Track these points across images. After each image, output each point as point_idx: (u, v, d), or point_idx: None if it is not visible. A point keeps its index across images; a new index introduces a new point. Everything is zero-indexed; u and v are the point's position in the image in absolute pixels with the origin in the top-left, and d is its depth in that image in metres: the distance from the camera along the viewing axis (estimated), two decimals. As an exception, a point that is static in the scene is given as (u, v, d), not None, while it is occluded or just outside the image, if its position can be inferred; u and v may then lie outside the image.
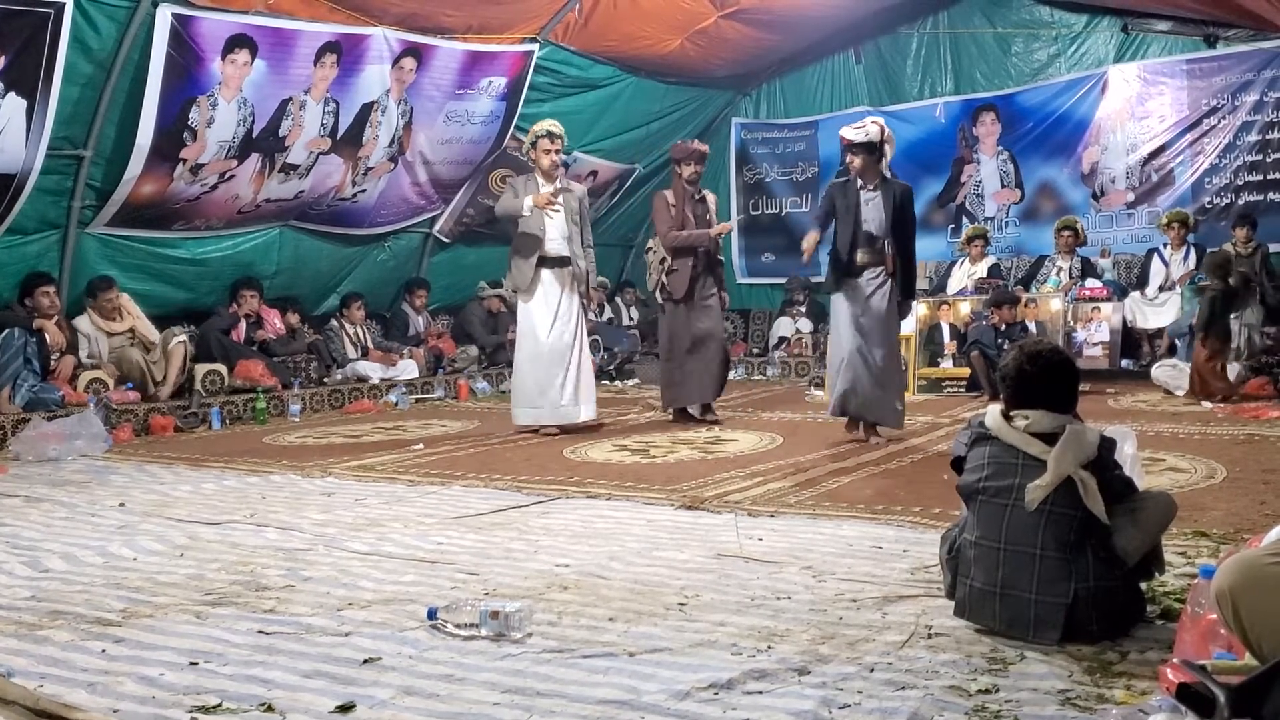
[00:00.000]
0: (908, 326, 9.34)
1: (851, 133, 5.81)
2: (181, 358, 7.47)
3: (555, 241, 6.60)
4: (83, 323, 7.45)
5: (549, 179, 6.63)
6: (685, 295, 6.76)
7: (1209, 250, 8.63)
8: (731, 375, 10.59)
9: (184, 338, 7.56)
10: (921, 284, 10.33)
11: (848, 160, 5.90)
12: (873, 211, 5.78)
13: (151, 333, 7.69)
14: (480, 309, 10.24)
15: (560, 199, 6.59)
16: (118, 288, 7.55)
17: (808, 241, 5.94)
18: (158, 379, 7.40)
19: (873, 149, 5.76)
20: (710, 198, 7.01)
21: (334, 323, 9.19)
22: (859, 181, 5.84)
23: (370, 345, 9.27)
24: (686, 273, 6.74)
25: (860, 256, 5.78)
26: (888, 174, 5.88)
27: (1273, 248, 8.90)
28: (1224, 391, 7.32)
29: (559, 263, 6.61)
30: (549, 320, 6.59)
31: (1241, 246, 8.68)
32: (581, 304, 6.74)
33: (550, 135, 6.60)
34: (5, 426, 6.44)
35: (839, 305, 5.88)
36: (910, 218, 5.91)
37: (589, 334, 10.45)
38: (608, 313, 11.62)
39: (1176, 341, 8.39)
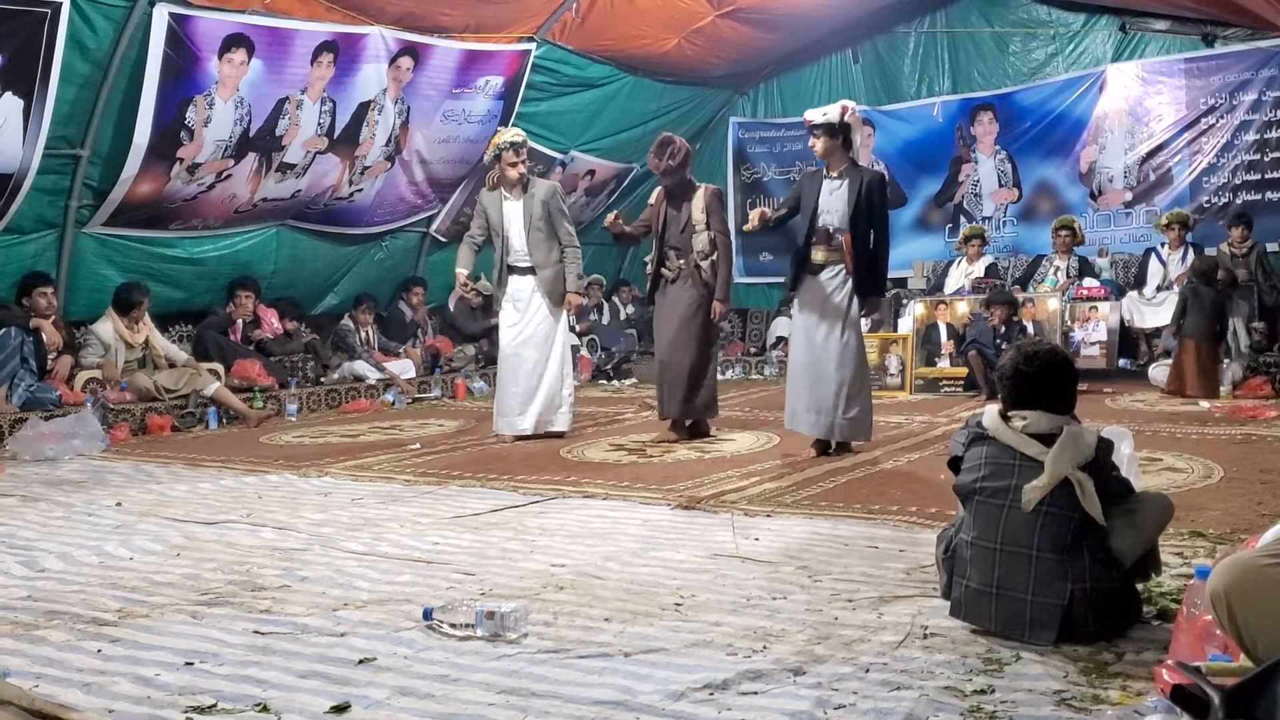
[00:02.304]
0: (905, 326, 9.40)
1: (811, 113, 5.49)
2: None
3: (517, 252, 6.39)
4: (104, 330, 7.34)
5: (512, 190, 6.36)
6: (648, 297, 6.43)
7: (1196, 257, 8.65)
8: (729, 375, 10.65)
9: (219, 384, 7.50)
10: (919, 283, 10.37)
11: (810, 144, 5.52)
12: (835, 203, 5.36)
13: (164, 345, 7.65)
14: (462, 304, 10.23)
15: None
16: (149, 299, 7.49)
17: (754, 212, 5.53)
18: (173, 389, 7.37)
19: (834, 131, 5.33)
20: (699, 194, 6.12)
21: (348, 321, 9.19)
22: (824, 170, 5.45)
23: (376, 346, 9.27)
24: (652, 271, 6.33)
25: (816, 254, 5.40)
26: (860, 161, 5.49)
27: (1270, 247, 8.91)
28: (1205, 392, 7.44)
29: (524, 272, 6.40)
30: (509, 328, 6.44)
31: (1236, 246, 8.69)
32: (556, 310, 6.41)
33: (514, 146, 6.29)
34: (2, 426, 6.43)
35: (796, 307, 5.56)
36: (880, 207, 5.40)
37: (585, 334, 10.57)
38: (606, 312, 11.61)
39: (1169, 349, 8.39)
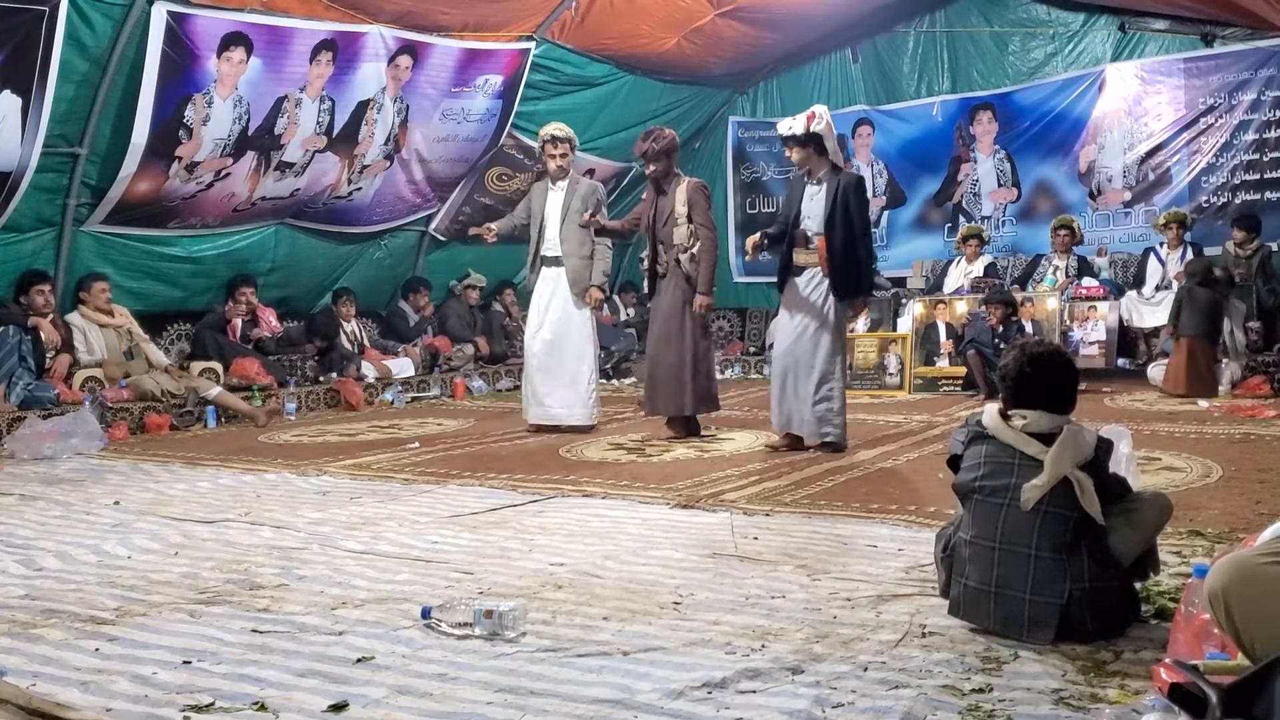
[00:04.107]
0: (904, 325, 9.40)
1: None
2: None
3: (550, 242, 6.64)
4: (74, 318, 7.41)
5: (555, 182, 6.68)
6: (649, 295, 6.50)
7: (1190, 258, 8.65)
8: (728, 375, 10.65)
9: (220, 388, 7.51)
10: (918, 283, 10.37)
11: (786, 154, 5.70)
12: (815, 207, 5.50)
13: (143, 335, 7.67)
14: (459, 305, 10.25)
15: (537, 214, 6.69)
16: (108, 281, 7.53)
17: (748, 241, 5.69)
18: (177, 395, 7.37)
19: (803, 141, 5.45)
20: (682, 186, 6.14)
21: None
22: (808, 176, 5.58)
23: (366, 343, 9.26)
24: (648, 268, 6.41)
25: (798, 257, 5.55)
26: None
27: (1271, 246, 8.89)
28: (1202, 392, 7.46)
29: (554, 262, 6.64)
30: (535, 319, 6.69)
31: (1241, 247, 8.66)
32: (579, 304, 6.59)
33: (553, 140, 6.59)
34: (0, 425, 6.42)
35: (780, 308, 5.68)
36: (855, 209, 5.46)
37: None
38: (605, 311, 11.59)
39: (1167, 350, 8.38)
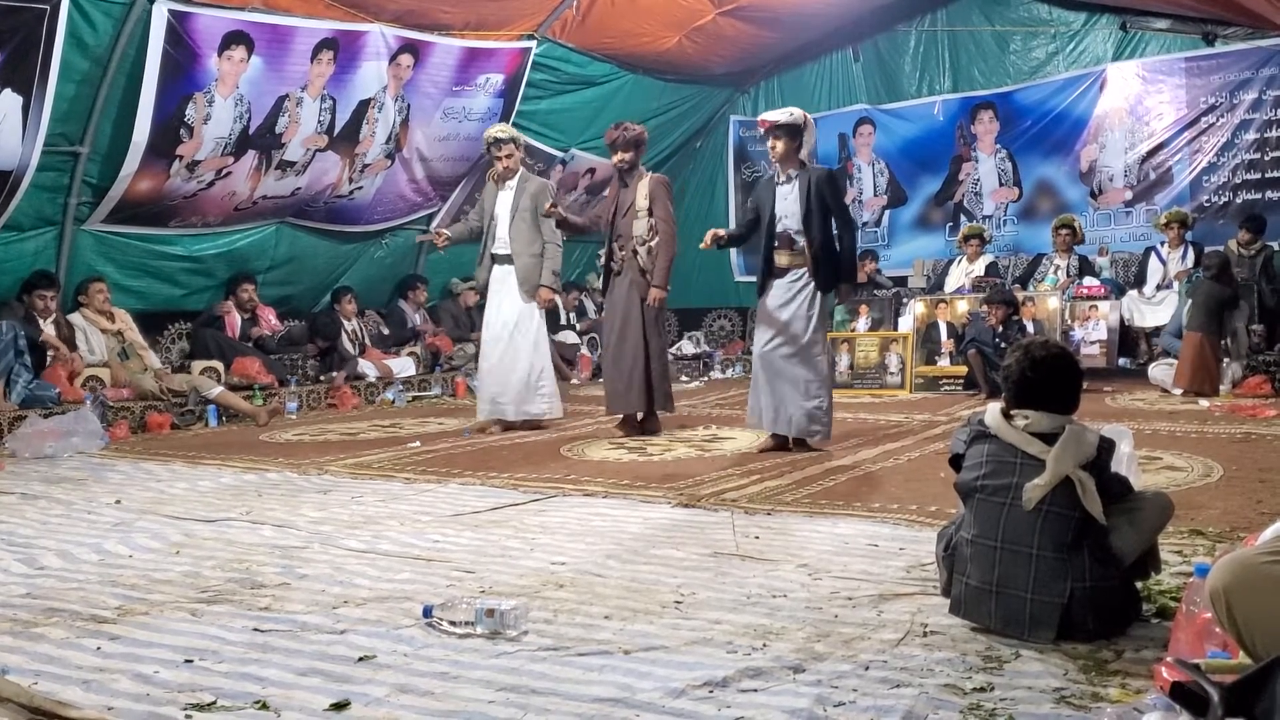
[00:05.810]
0: (905, 325, 9.40)
1: (772, 114, 5.54)
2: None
3: (500, 240, 6.67)
4: (76, 319, 7.45)
5: (502, 182, 6.69)
6: (603, 292, 6.57)
7: (1209, 249, 8.65)
8: (730, 374, 10.67)
9: (221, 388, 7.52)
10: (919, 282, 10.38)
11: (769, 145, 5.58)
12: (789, 206, 5.43)
13: (140, 340, 7.68)
14: (455, 305, 10.26)
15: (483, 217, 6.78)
16: (106, 283, 7.55)
17: (708, 234, 5.57)
18: (179, 393, 7.38)
19: (795, 132, 5.42)
20: (645, 181, 6.24)
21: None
22: (777, 175, 5.55)
23: (368, 343, 9.26)
24: (604, 265, 6.51)
25: (780, 258, 5.47)
26: (808, 163, 5.52)
27: (1272, 245, 8.90)
28: (1206, 388, 7.47)
29: (504, 260, 6.67)
30: (489, 317, 6.75)
31: (1245, 247, 8.65)
32: (529, 300, 6.60)
33: (497, 141, 6.63)
34: (1, 423, 6.43)
35: (762, 308, 5.59)
36: (831, 202, 5.41)
37: (585, 333, 10.58)
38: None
39: (1167, 349, 8.37)
